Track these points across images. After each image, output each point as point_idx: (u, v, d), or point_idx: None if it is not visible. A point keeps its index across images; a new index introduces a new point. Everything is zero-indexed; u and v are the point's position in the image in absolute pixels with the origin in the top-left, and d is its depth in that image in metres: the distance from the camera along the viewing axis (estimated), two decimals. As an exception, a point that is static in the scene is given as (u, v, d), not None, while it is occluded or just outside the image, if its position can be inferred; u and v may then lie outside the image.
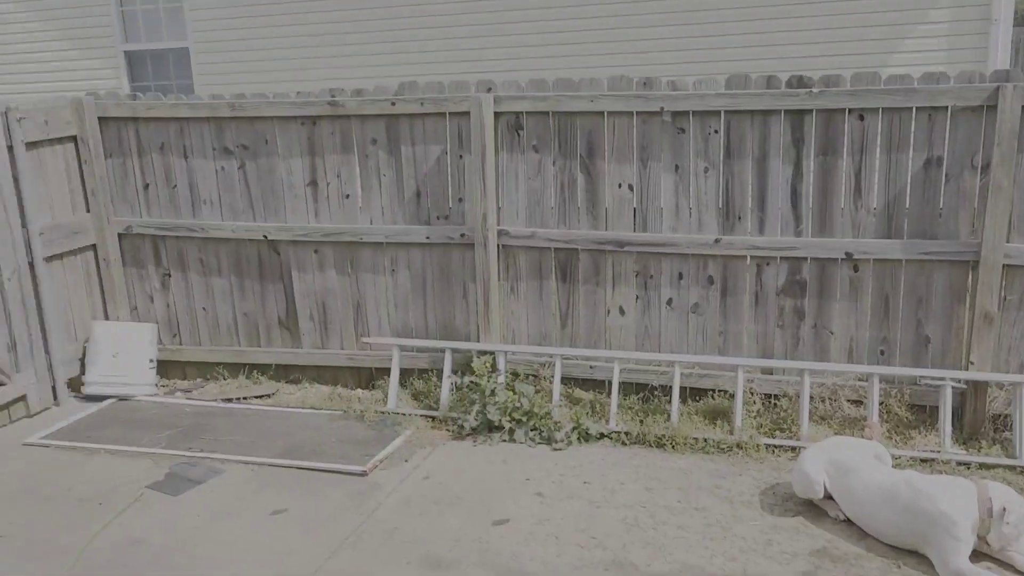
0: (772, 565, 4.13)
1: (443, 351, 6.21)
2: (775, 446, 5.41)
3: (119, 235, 6.86)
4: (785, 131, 5.54)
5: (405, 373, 6.42)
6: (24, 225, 6.19)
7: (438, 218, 6.27)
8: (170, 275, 6.90)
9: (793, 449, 5.34)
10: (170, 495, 4.98)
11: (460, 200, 6.21)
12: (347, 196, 6.40)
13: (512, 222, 6.16)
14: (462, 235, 6.18)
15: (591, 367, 6.15)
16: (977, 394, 5.39)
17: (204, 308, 6.91)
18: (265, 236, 6.58)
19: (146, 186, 6.77)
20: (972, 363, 5.35)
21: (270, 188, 6.53)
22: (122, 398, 6.52)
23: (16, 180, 6.13)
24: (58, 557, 4.34)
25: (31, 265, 6.27)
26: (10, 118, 6.06)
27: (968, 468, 5.03)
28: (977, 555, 4.09)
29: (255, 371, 6.86)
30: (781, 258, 5.71)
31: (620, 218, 5.96)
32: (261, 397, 6.55)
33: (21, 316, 6.19)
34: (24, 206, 6.18)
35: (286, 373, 6.83)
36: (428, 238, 6.27)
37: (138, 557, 4.34)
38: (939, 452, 5.14)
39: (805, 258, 5.66)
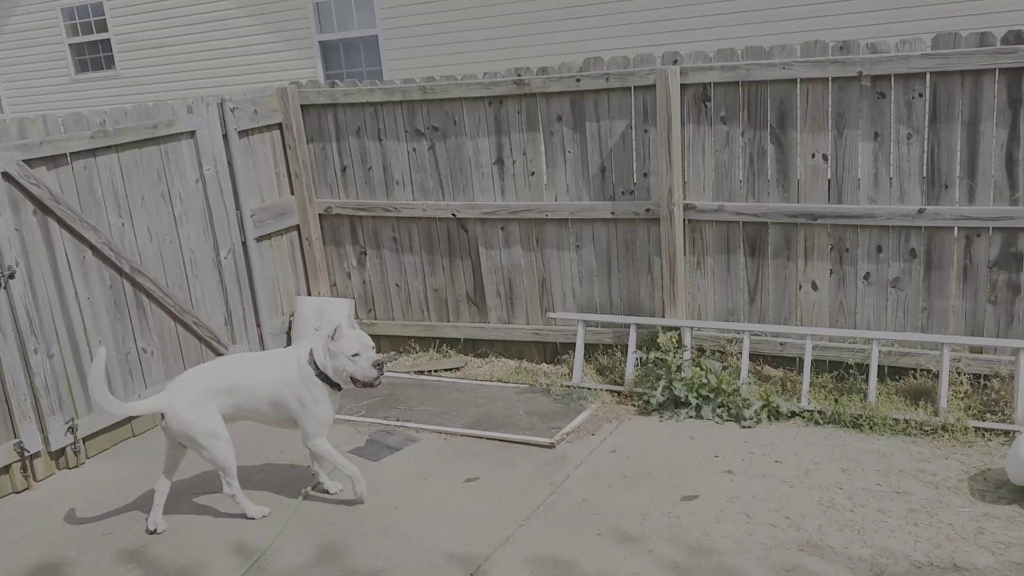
0: (983, 555, 3.89)
1: (628, 326, 6.21)
2: (985, 429, 5.07)
3: (319, 215, 7.29)
4: (1000, 92, 5.13)
5: (589, 348, 6.48)
6: (238, 207, 6.70)
7: (623, 193, 6.26)
8: (366, 253, 7.27)
9: (1006, 433, 4.98)
10: (371, 460, 5.28)
11: (645, 175, 6.16)
12: (532, 173, 6.50)
13: (699, 196, 6.06)
14: (647, 210, 6.14)
15: (781, 344, 5.97)
16: None
17: (397, 284, 7.23)
18: (454, 214, 6.79)
19: (344, 168, 7.14)
20: None
21: (458, 167, 6.73)
22: (324, 369, 6.95)
23: (231, 165, 6.63)
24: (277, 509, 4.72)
25: (244, 244, 6.77)
26: (225, 108, 6.56)
27: None
28: None
29: (444, 345, 7.12)
30: (994, 229, 5.31)
31: (813, 189, 5.73)
32: (450, 370, 6.80)
33: (236, 292, 6.71)
34: (237, 190, 6.68)
35: (474, 347, 7.04)
36: (613, 213, 6.27)
37: (346, 516, 4.63)
38: None
39: (1021, 228, 5.24)
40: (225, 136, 6.58)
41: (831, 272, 5.80)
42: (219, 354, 6.43)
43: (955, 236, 5.44)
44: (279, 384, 4.55)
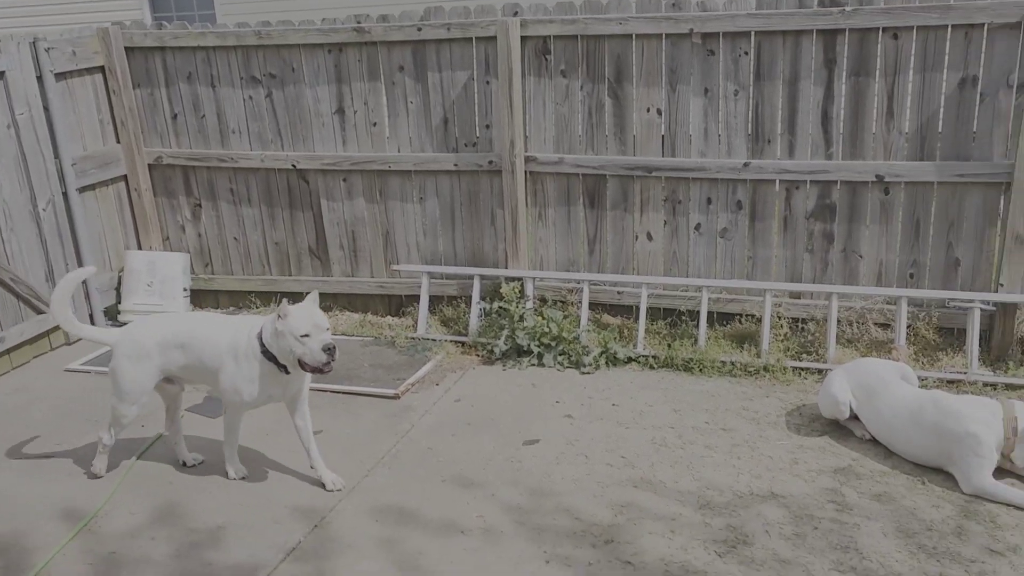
0: (798, 483, 4.21)
1: (472, 278, 6.28)
2: (802, 369, 5.47)
3: (149, 165, 6.93)
4: (817, 52, 5.45)
5: (434, 300, 6.50)
6: (56, 155, 6.27)
7: (466, 145, 6.27)
8: (201, 205, 6.98)
9: (820, 372, 5.39)
10: (210, 417, 5.13)
11: (487, 127, 6.19)
12: (374, 124, 6.41)
13: (540, 148, 6.15)
14: (490, 162, 6.19)
15: (619, 292, 6.19)
16: (1006, 316, 5.39)
17: (235, 238, 6.99)
18: (294, 165, 6.61)
19: (174, 116, 6.80)
20: (1002, 285, 5.34)
21: (298, 116, 6.54)
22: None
23: (47, 110, 6.18)
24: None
25: (65, 195, 6.36)
26: (38, 48, 6.09)
27: (995, 389, 5.07)
28: (1000, 472, 4.15)
29: (287, 299, 6.93)
30: (811, 182, 5.68)
31: (649, 143, 5.93)
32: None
33: (57, 246, 6.31)
34: (56, 137, 6.24)
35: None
36: (456, 165, 6.28)
37: (184, 475, 4.49)
38: (966, 373, 5.17)
39: (835, 181, 5.62)
40: (40, 78, 6.13)
41: (665, 223, 6.05)
42: (40, 312, 6.05)
43: (777, 189, 5.77)
44: (226, 351, 4.18)
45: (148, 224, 7.01)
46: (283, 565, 3.67)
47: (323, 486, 4.28)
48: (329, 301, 6.87)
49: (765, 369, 5.46)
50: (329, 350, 3.96)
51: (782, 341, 5.71)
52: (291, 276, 6.95)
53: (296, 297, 6.83)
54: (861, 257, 5.69)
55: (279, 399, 4.30)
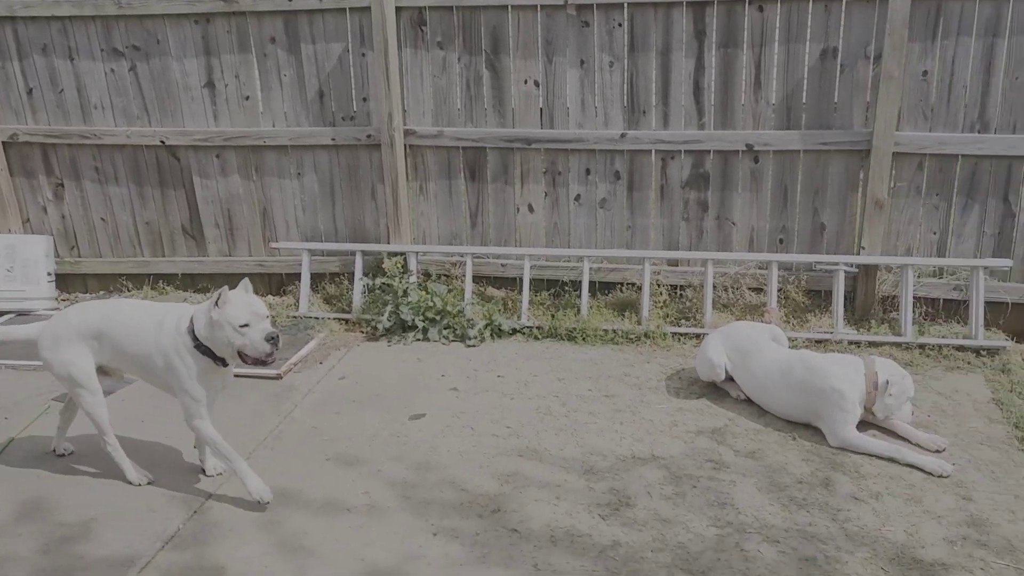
0: (677, 444, 4.34)
1: (354, 254, 6.18)
2: (681, 334, 5.62)
3: (4, 143, 6.52)
4: (687, 23, 5.57)
5: (316, 277, 6.38)
6: (-102, 134, 5.83)
7: (343, 119, 6.15)
8: (63, 185, 6.62)
9: (697, 336, 5.55)
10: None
11: (365, 100, 6.08)
12: (247, 98, 6.20)
13: (419, 121, 6.09)
14: (368, 136, 6.09)
15: (502, 265, 6.22)
16: (868, 277, 5.67)
17: (102, 218, 6.67)
18: (163, 141, 6.34)
19: (30, 91, 6.41)
20: (863, 248, 5.61)
21: (165, 90, 6.27)
22: (20, 313, 6.32)
23: None
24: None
25: (-90, 177, 5.93)
26: None
27: (859, 347, 5.34)
28: (864, 425, 4.39)
29: (161, 281, 6.72)
30: (685, 151, 5.81)
31: (527, 115, 5.95)
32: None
33: (-97, 231, 5.89)
34: None
35: (193, 282, 6.70)
36: (334, 140, 6.15)
37: (51, 467, 4.29)
38: (832, 333, 5.42)
39: (708, 151, 5.78)
40: None
41: (546, 195, 6.09)
42: None
43: (653, 159, 5.89)
44: (150, 345, 3.81)
45: (5, 206, 6.61)
46: (161, 554, 3.55)
47: (203, 472, 4.15)
48: (205, 281, 6.65)
49: (646, 336, 5.59)
50: (273, 339, 3.66)
51: (661, 308, 5.85)
52: (165, 257, 6.69)
53: (169, 279, 6.65)
54: (734, 224, 5.87)
55: (219, 393, 3.96)
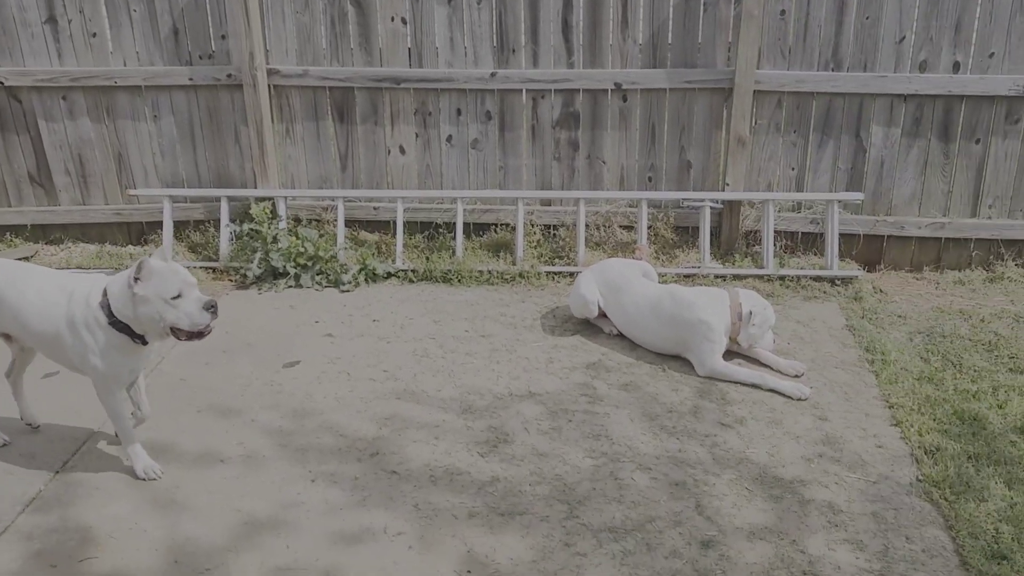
0: (553, 380, 4.42)
1: (219, 200, 5.94)
2: (555, 273, 5.69)
3: None
4: (555, -40, 5.54)
5: (180, 225, 6.12)
6: None
7: (200, 58, 5.85)
8: None
9: (571, 275, 5.64)
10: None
11: (223, 38, 5.80)
12: (94, 35, 5.81)
13: (282, 61, 5.86)
14: (229, 76, 5.82)
15: (375, 208, 6.11)
16: (732, 213, 5.86)
17: (-63, 167, 6.18)
18: (1, 82, 5.88)
19: None
20: (728, 184, 5.79)
21: (0, 27, 5.79)
22: None
23: None
24: None
25: None
26: None
27: (724, 280, 5.54)
28: (729, 354, 4.58)
29: (8, 233, 6.29)
30: (555, 90, 5.82)
31: (395, 54, 5.81)
32: (19, 260, 6.04)
33: None
34: None
35: (44, 233, 6.31)
36: (192, 80, 5.86)
37: None
38: (700, 267, 5.60)
39: (578, 90, 5.80)
40: None
41: (417, 136, 6.00)
42: None
43: (524, 99, 5.87)
44: (59, 319, 3.41)
45: None
46: (22, 518, 3.38)
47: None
48: (59, 232, 6.28)
49: (521, 276, 5.63)
50: (212, 308, 3.32)
51: (535, 248, 5.90)
52: (11, 207, 6.26)
53: (18, 231, 6.24)
54: (604, 163, 5.95)
55: (137, 373, 3.65)
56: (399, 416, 4.08)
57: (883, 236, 5.83)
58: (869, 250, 5.87)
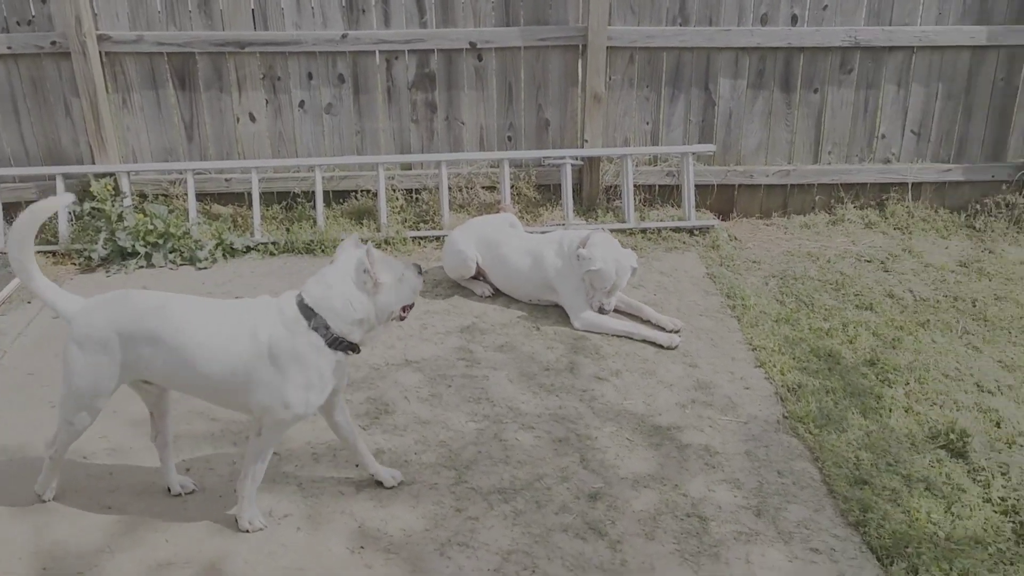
0: (428, 346, 4.37)
1: (53, 178, 5.53)
2: (421, 237, 5.62)
3: None
4: (402, -84, 5.38)
5: (9, 207, 5.64)
6: None
7: (19, 24, 5.38)
8: None
9: (437, 239, 5.58)
10: None
11: (44, 1, 5.35)
12: None
13: (113, 25, 5.47)
14: (53, 43, 5.38)
15: (227, 180, 5.84)
16: (592, 169, 5.94)
17: None
18: None
19: None
20: (586, 141, 5.85)
21: None
22: None
23: None
24: None
25: None
26: None
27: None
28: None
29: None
30: (409, 51, 5.69)
31: (237, 16, 5.53)
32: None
33: None
34: None
35: None
36: (10, 48, 5.39)
37: None
38: (564, 224, 5.65)
39: (432, 50, 5.70)
40: None
41: (267, 102, 5.75)
42: None
43: (377, 60, 5.72)
44: (247, 358, 2.86)
45: None
46: None
47: (381, 484, 3.34)
48: None
49: (386, 242, 5.53)
50: (421, 269, 3.16)
51: (399, 213, 5.80)
52: None
53: None
54: (463, 124, 5.89)
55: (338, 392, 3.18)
56: (273, 395, 3.94)
57: (734, 185, 6.06)
58: (722, 199, 6.09)
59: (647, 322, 4.55)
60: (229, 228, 5.54)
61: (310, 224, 5.64)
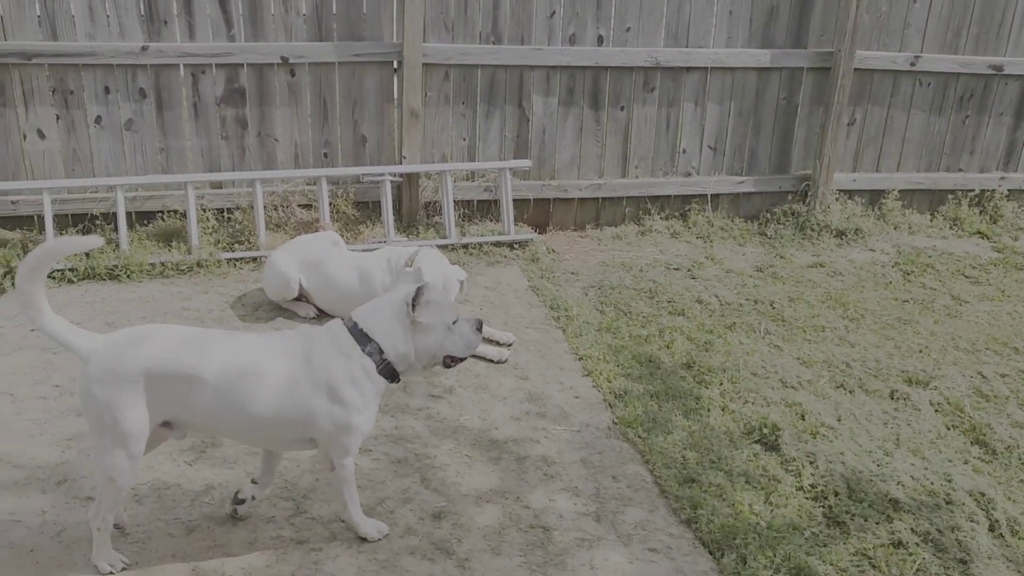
0: (253, 372, 4.19)
1: None
2: (236, 259, 5.40)
3: None
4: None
5: None
6: None
7: None
8: None
9: (254, 260, 5.38)
10: None
11: None
12: None
13: None
14: None
15: (12, 202, 5.37)
16: (411, 186, 5.93)
17: None
18: None
19: None
20: (404, 157, 5.84)
21: None
22: None
23: None
24: None
25: None
26: None
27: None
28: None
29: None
30: (217, 65, 5.47)
31: (21, 24, 5.11)
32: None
33: None
34: None
35: None
36: None
37: None
38: (386, 241, 5.61)
39: (241, 64, 5.50)
40: None
41: (58, 117, 5.35)
42: None
43: (182, 74, 5.46)
44: (310, 392, 2.77)
45: None
46: None
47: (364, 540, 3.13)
48: None
49: (199, 265, 5.27)
50: (480, 327, 2.99)
51: (211, 234, 5.55)
52: None
53: None
54: (277, 141, 5.72)
55: None
56: (84, 434, 3.64)
57: (550, 199, 6.24)
58: (539, 213, 6.25)
59: (490, 341, 4.59)
60: (19, 255, 5.09)
61: (112, 248, 5.27)
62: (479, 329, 2.98)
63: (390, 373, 2.89)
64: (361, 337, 2.85)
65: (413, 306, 2.84)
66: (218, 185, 5.70)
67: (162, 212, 5.59)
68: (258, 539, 3.08)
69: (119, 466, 2.73)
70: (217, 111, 5.56)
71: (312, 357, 2.82)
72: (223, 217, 5.69)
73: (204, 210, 5.60)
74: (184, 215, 5.47)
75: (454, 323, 2.92)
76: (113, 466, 2.72)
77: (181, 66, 5.41)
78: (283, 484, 3.38)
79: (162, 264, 5.21)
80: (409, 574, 2.95)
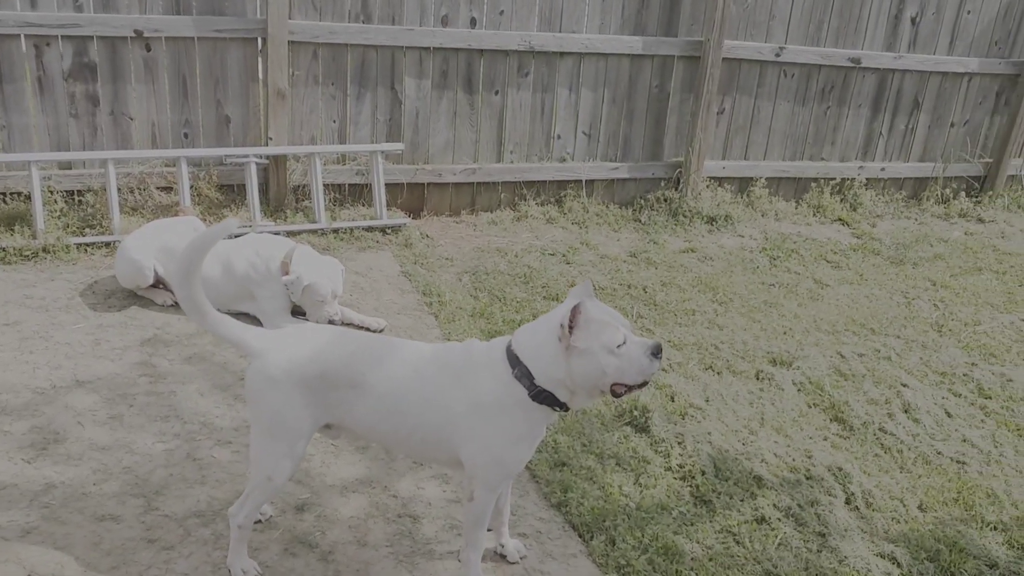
0: (104, 364, 3.93)
1: None
2: (87, 244, 5.06)
3: None
4: None
5: None
6: None
7: None
8: None
9: (108, 245, 5.06)
10: None
11: None
12: None
13: None
14: None
15: None
16: (278, 168, 5.70)
17: None
18: None
19: None
20: (271, 139, 5.61)
21: None
22: None
23: None
24: None
25: None
26: None
27: (279, 236, 5.37)
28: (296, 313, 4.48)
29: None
30: (64, 37, 5.11)
31: None
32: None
33: None
34: None
35: None
36: None
37: None
38: (251, 226, 5.37)
39: (91, 37, 5.16)
40: None
41: None
42: None
43: (24, 46, 5.07)
44: (451, 404, 2.55)
45: None
46: None
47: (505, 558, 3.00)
48: None
49: (45, 250, 4.92)
50: (659, 352, 2.50)
51: (59, 218, 5.19)
52: None
53: None
54: (132, 119, 5.40)
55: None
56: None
57: (424, 184, 6.12)
58: (412, 198, 6.13)
59: (350, 324, 4.44)
60: None
61: (-53, 233, 4.87)
62: (656, 354, 2.50)
63: (550, 401, 2.55)
64: (513, 359, 2.55)
65: (569, 328, 2.46)
66: (67, 166, 5.33)
67: (3, 194, 5.19)
68: (104, 539, 2.87)
69: (280, 466, 2.60)
70: (65, 87, 5.19)
71: (464, 373, 2.59)
72: (73, 200, 5.33)
73: (51, 192, 5.23)
74: (29, 197, 5.09)
75: (619, 346, 2.48)
76: (274, 465, 2.59)
77: (22, 37, 5.02)
78: (133, 480, 3.17)
79: (3, 249, 4.84)
80: (269, 570, 2.81)
